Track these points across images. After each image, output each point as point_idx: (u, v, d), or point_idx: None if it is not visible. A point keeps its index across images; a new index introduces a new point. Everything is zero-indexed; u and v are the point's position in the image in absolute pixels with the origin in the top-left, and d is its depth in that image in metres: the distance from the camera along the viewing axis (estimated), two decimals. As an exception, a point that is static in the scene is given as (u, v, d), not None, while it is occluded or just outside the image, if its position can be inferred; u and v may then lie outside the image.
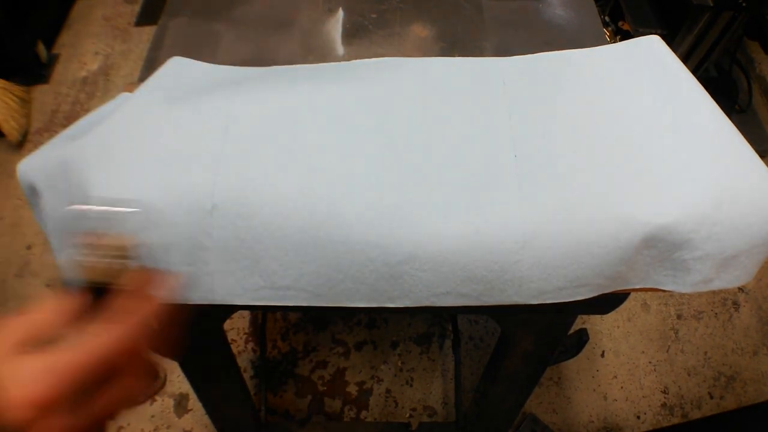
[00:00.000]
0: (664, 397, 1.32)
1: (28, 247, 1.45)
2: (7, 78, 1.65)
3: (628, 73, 0.60)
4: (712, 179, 0.50)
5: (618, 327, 1.40)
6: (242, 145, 0.53)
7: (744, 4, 1.34)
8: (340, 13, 0.71)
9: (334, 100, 0.58)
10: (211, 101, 0.57)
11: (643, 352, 1.37)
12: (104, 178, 0.51)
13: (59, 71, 1.83)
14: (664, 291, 0.54)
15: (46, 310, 0.31)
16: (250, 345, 1.33)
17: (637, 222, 0.49)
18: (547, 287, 0.51)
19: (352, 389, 1.28)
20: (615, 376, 1.33)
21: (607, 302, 0.64)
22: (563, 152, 0.54)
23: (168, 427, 1.23)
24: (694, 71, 1.54)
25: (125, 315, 0.31)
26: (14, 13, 1.67)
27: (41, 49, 1.80)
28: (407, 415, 1.26)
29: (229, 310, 0.71)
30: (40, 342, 0.29)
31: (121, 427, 1.22)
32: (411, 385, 1.29)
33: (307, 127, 0.55)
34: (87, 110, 1.73)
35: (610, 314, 1.22)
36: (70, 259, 0.32)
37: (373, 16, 0.71)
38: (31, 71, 1.78)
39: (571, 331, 0.74)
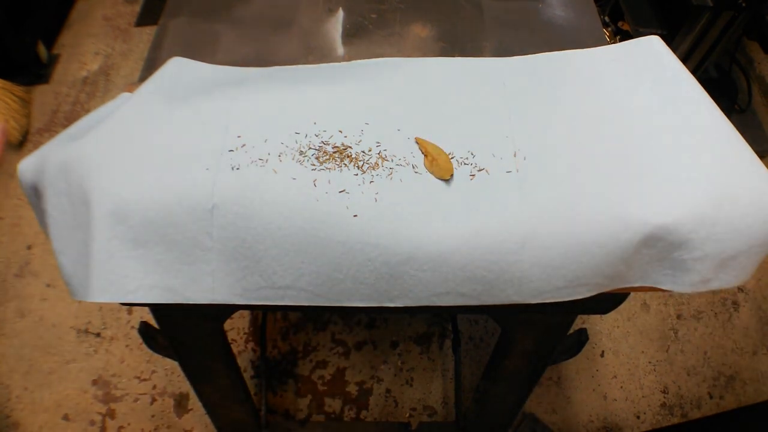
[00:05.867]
0: (664, 397, 1.32)
1: (28, 247, 1.45)
2: (7, 78, 1.65)
3: (628, 73, 0.60)
4: (711, 180, 0.51)
5: (618, 327, 1.40)
6: (242, 145, 0.53)
7: (744, 4, 1.34)
8: (340, 13, 0.71)
9: (334, 99, 0.58)
10: (211, 101, 0.57)
11: (642, 352, 1.37)
12: (105, 177, 0.51)
13: (59, 71, 1.83)
14: (663, 290, 0.54)
15: None
16: (250, 345, 1.33)
17: (637, 222, 0.49)
18: (546, 287, 0.51)
19: (352, 389, 1.28)
20: (615, 376, 1.33)
21: (607, 302, 0.64)
22: (563, 152, 0.54)
23: (168, 427, 1.23)
24: (694, 71, 1.54)
25: None
26: (14, 13, 1.67)
27: (41, 49, 1.80)
28: (407, 414, 1.26)
29: (229, 310, 0.71)
30: None
31: (121, 427, 1.22)
32: (411, 385, 1.29)
33: (308, 126, 0.55)
34: (87, 110, 1.73)
35: (609, 314, 1.22)
36: None
37: (373, 16, 0.71)
38: (32, 71, 1.78)
39: (571, 331, 0.75)
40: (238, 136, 0.54)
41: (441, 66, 0.63)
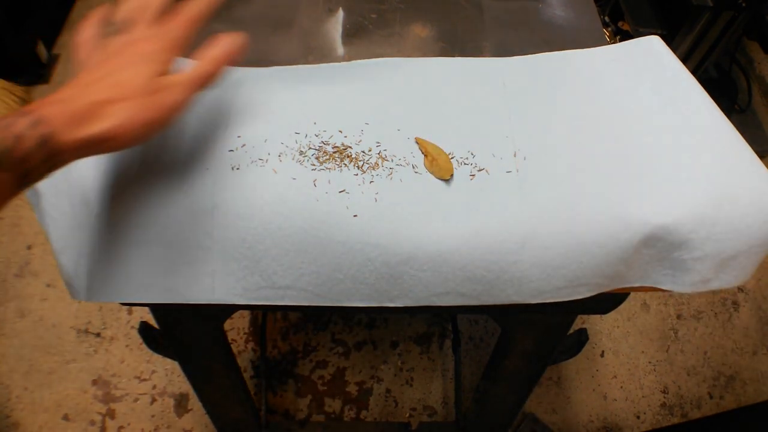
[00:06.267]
0: (664, 397, 1.32)
1: (28, 247, 1.45)
2: (7, 78, 1.65)
3: (628, 73, 0.60)
4: (711, 180, 0.51)
5: (618, 327, 1.40)
6: (242, 145, 0.53)
7: (744, 4, 1.34)
8: (340, 13, 0.71)
9: (334, 99, 0.58)
10: (210, 101, 0.57)
11: (642, 352, 1.37)
12: (104, 178, 0.51)
13: (59, 71, 1.83)
14: (663, 290, 0.54)
15: None
16: (250, 345, 1.33)
17: (637, 222, 0.49)
18: (546, 287, 0.51)
19: (352, 389, 1.28)
20: (615, 376, 1.33)
21: (607, 302, 0.64)
22: (563, 152, 0.54)
23: (168, 427, 1.23)
24: (694, 71, 1.54)
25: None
26: (14, 13, 1.67)
27: (41, 49, 1.80)
28: (407, 414, 1.26)
29: (229, 310, 0.71)
30: None
31: (121, 427, 1.22)
32: (411, 385, 1.29)
33: (307, 126, 0.55)
34: (87, 110, 1.73)
35: (609, 314, 1.23)
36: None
37: (373, 16, 0.71)
38: (32, 71, 1.78)
39: (571, 331, 0.75)
40: (238, 136, 0.54)
41: (441, 66, 0.63)
